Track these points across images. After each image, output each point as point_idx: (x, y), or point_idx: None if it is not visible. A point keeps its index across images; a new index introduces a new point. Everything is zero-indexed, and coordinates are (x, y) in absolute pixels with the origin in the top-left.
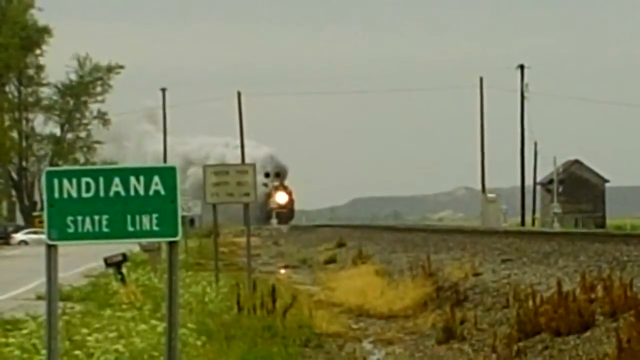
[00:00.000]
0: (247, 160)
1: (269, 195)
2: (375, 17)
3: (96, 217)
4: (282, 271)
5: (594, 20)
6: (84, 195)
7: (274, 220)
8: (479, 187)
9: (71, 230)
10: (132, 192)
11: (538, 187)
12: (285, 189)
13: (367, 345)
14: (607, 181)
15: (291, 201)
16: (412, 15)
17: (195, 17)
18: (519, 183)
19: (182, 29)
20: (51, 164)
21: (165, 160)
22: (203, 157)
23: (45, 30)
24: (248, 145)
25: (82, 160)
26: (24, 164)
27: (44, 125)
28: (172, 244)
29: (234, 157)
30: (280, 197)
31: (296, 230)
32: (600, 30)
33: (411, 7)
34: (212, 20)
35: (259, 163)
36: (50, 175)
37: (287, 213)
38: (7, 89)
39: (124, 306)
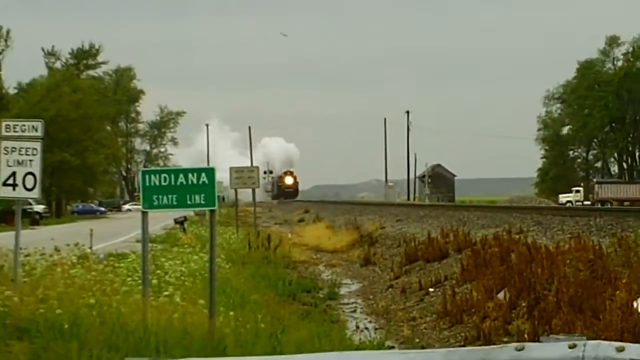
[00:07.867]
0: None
1: (273, 183)
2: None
3: (170, 196)
4: (290, 235)
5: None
6: (163, 184)
7: (268, 198)
8: (384, 178)
9: (155, 203)
10: (189, 182)
11: (417, 180)
12: (292, 174)
13: (321, 267)
14: (455, 176)
15: (296, 183)
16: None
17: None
18: (406, 176)
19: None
20: (144, 167)
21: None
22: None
23: (141, 91)
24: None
25: (161, 164)
26: (129, 166)
27: (141, 144)
28: (212, 211)
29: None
30: (288, 180)
31: (282, 204)
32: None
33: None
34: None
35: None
36: (144, 173)
37: (292, 192)
38: (120, 124)
39: (185, 246)
